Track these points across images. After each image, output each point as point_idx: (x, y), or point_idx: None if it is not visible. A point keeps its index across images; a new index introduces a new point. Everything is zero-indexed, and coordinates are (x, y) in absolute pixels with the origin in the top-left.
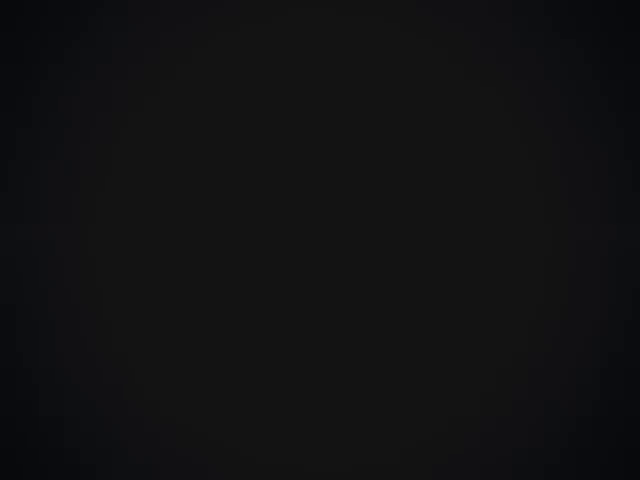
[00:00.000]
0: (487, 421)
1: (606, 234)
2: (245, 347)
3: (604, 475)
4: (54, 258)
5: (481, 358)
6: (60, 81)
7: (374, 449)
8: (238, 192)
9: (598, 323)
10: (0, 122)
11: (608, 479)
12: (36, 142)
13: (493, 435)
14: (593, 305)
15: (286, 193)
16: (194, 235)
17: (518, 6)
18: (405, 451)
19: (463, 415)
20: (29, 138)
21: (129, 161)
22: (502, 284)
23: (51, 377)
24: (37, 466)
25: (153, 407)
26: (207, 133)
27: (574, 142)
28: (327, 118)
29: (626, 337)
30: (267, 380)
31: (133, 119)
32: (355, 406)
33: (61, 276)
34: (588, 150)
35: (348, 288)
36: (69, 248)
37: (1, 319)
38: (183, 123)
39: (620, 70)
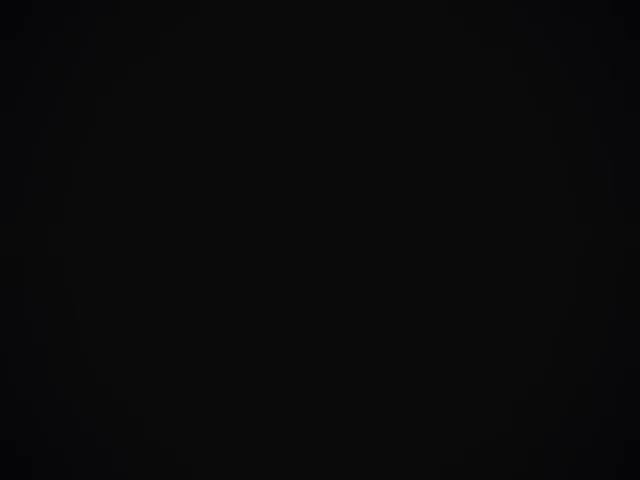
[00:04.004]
0: (496, 429)
1: (620, 234)
2: (242, 351)
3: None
4: (44, 258)
5: (490, 364)
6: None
7: (378, 460)
8: (233, 189)
9: (610, 328)
10: None
11: None
12: (24, 139)
13: (501, 444)
14: (605, 308)
15: (284, 191)
16: (189, 235)
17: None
18: (410, 462)
19: (471, 424)
20: (18, 136)
21: (122, 160)
22: (513, 289)
23: (39, 380)
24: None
25: (145, 413)
26: (202, 130)
27: (587, 141)
28: (328, 114)
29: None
30: (267, 386)
31: (126, 116)
32: (358, 415)
33: (53, 276)
34: (601, 150)
35: (354, 291)
36: (62, 248)
37: None
38: (177, 120)
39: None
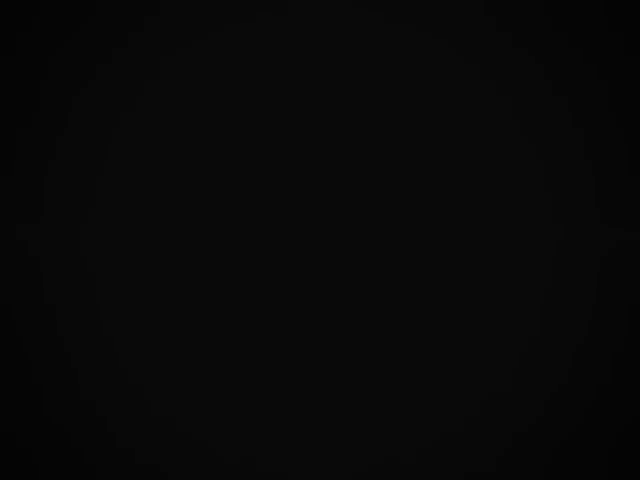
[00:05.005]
0: (489, 422)
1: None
2: (244, 350)
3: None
4: (52, 258)
5: (481, 359)
6: (55, 76)
7: (375, 454)
8: (235, 191)
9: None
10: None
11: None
12: (32, 141)
13: (494, 438)
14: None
15: (284, 192)
16: (192, 236)
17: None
18: (404, 456)
19: (465, 419)
20: (25, 137)
21: (125, 161)
22: (503, 286)
23: (49, 378)
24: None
25: (152, 409)
26: (203, 132)
27: (574, 142)
28: (328, 115)
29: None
30: (268, 384)
31: (129, 117)
32: (357, 411)
33: (60, 276)
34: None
35: (357, 290)
36: (67, 248)
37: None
38: (180, 121)
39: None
